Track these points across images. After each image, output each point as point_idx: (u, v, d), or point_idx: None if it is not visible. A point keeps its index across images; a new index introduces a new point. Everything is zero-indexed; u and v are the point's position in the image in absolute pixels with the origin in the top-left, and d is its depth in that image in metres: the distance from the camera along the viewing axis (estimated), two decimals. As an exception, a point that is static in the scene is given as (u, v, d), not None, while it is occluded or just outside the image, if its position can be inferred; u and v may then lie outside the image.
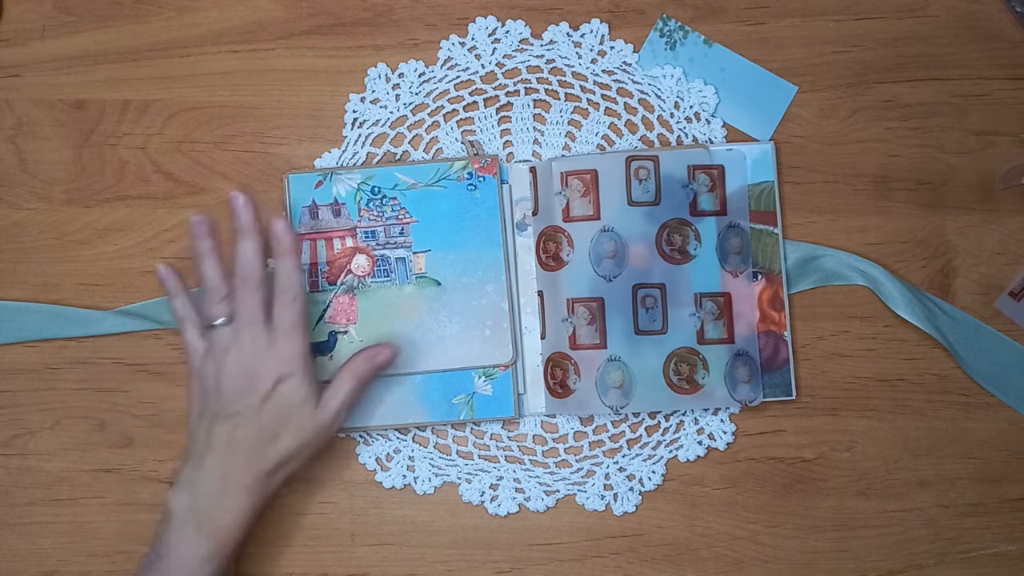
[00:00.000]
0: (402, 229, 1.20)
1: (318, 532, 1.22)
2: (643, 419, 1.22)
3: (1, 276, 1.23)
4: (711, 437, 1.21)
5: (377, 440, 1.22)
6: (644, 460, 1.21)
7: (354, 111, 1.24)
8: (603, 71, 1.24)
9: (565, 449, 1.22)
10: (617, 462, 1.22)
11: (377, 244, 1.20)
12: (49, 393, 1.23)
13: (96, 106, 1.25)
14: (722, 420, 1.21)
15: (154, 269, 1.15)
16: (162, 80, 1.25)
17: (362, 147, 1.24)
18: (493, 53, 1.24)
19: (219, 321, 1.10)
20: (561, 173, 1.20)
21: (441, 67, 1.24)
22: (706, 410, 1.22)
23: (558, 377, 1.20)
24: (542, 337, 1.21)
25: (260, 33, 1.25)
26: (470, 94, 1.24)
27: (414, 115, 1.24)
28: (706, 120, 1.23)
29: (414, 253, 1.20)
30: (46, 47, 1.26)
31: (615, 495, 1.21)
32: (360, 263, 1.20)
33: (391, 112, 1.24)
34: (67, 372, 1.23)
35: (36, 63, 1.25)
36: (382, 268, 1.20)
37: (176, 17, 1.26)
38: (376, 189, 1.20)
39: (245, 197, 1.10)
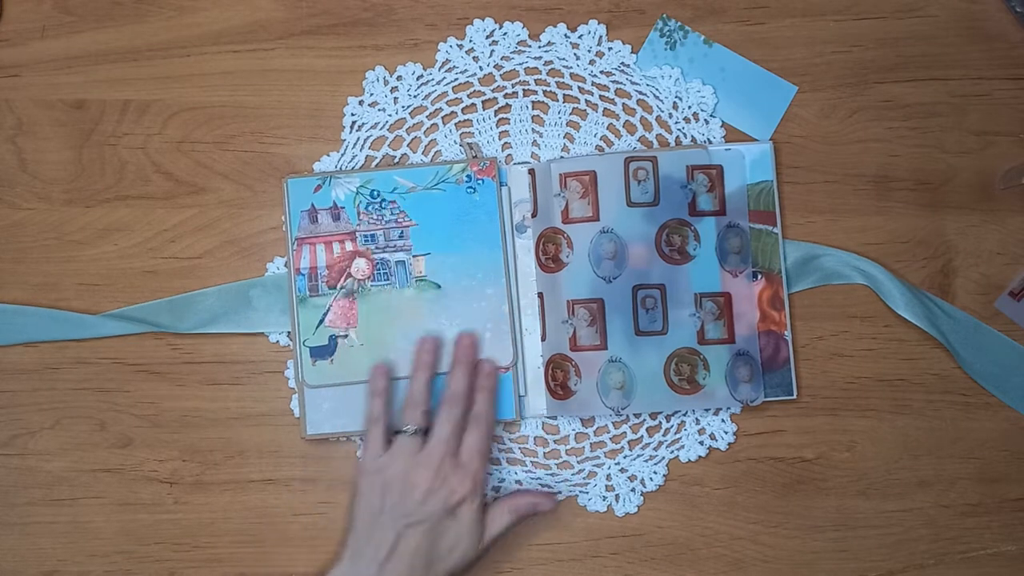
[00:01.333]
0: (401, 232, 1.20)
1: (318, 532, 1.22)
2: (644, 420, 1.22)
3: (1, 276, 1.23)
4: (712, 437, 1.21)
5: (378, 443, 1.22)
6: (645, 461, 1.21)
7: (352, 114, 1.24)
8: (601, 72, 1.24)
9: (566, 451, 1.22)
10: (619, 463, 1.22)
11: (377, 248, 1.20)
12: (49, 393, 1.23)
13: (96, 106, 1.25)
14: (723, 420, 1.21)
15: (373, 367, 1.18)
16: (162, 80, 1.25)
17: (361, 151, 1.23)
18: (491, 55, 1.24)
19: (411, 428, 1.13)
20: (560, 175, 1.20)
21: (439, 70, 1.24)
22: (707, 410, 1.22)
23: (559, 379, 1.20)
24: (542, 339, 1.21)
25: (260, 33, 1.25)
26: (468, 96, 1.24)
27: (412, 118, 1.24)
28: (704, 120, 1.23)
29: (414, 256, 1.20)
30: (46, 47, 1.25)
31: (617, 496, 1.21)
32: (360, 267, 1.20)
33: (389, 115, 1.24)
34: (67, 372, 1.23)
35: (36, 63, 1.25)
36: (382, 271, 1.20)
37: (176, 17, 1.25)
38: (375, 192, 1.20)
39: (473, 338, 1.18)
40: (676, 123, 1.23)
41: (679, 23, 1.24)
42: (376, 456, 1.12)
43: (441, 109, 1.24)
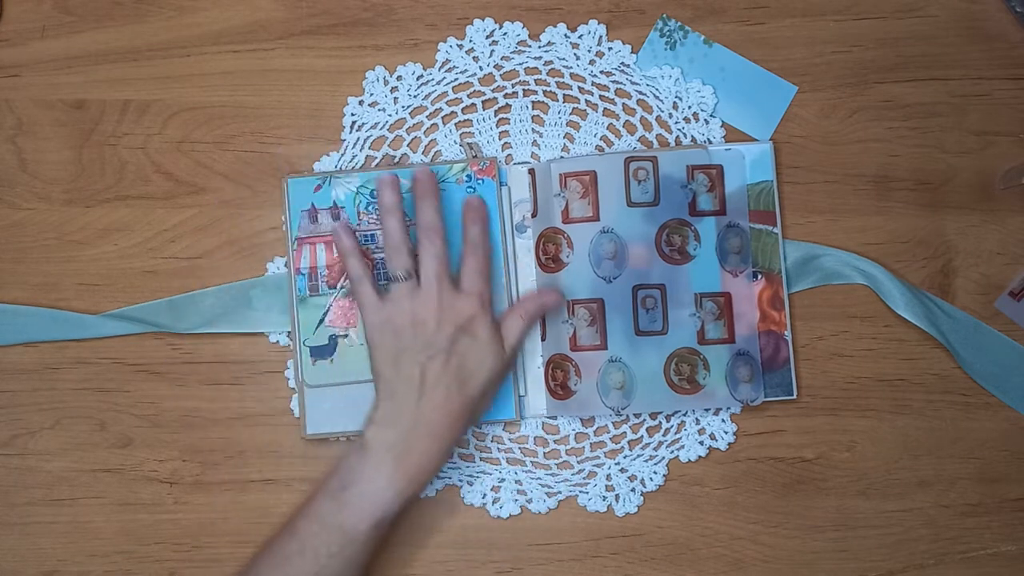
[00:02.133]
0: (401, 232, 1.20)
1: (318, 532, 1.22)
2: (644, 420, 1.22)
3: (1, 276, 1.23)
4: (712, 437, 1.21)
5: (378, 443, 1.22)
6: (646, 461, 1.21)
7: (352, 114, 1.24)
8: (601, 72, 1.24)
9: (566, 451, 1.22)
10: (619, 463, 1.22)
11: (377, 247, 1.20)
12: (49, 393, 1.23)
13: (96, 106, 1.25)
14: (723, 420, 1.21)
15: (332, 229, 1.19)
16: (162, 80, 1.25)
17: (361, 150, 1.23)
18: (491, 55, 1.24)
19: (401, 273, 1.12)
20: (560, 175, 1.20)
21: (439, 70, 1.24)
22: (707, 410, 1.22)
23: (559, 379, 1.20)
24: (542, 339, 1.21)
25: (260, 33, 1.25)
26: (468, 96, 1.24)
27: (412, 118, 1.24)
28: (704, 120, 1.23)
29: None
30: (46, 47, 1.25)
31: (617, 496, 1.21)
32: (360, 267, 1.20)
33: (389, 115, 1.24)
34: (67, 372, 1.23)
35: (36, 63, 1.25)
36: (382, 271, 1.19)
37: (176, 17, 1.25)
38: (375, 192, 1.19)
39: (431, 173, 1.15)
40: (676, 123, 1.23)
41: (679, 23, 1.24)
42: (377, 309, 1.12)
43: (441, 109, 1.24)
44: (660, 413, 1.22)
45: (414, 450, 1.09)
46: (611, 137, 1.23)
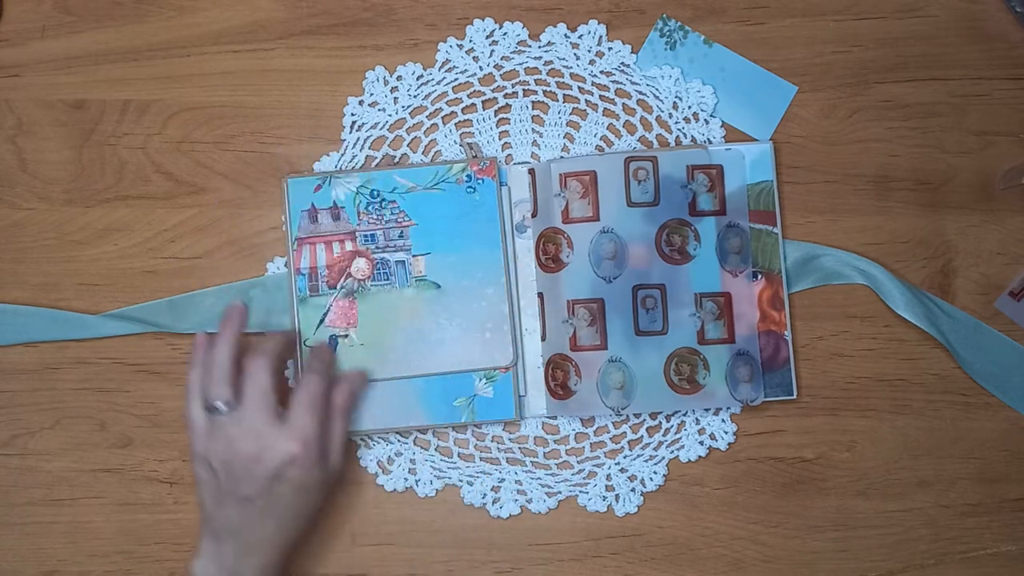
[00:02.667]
0: (401, 232, 1.20)
1: (318, 532, 1.22)
2: (644, 420, 1.22)
3: (1, 276, 1.23)
4: (712, 437, 1.21)
5: (378, 443, 1.22)
6: (645, 461, 1.21)
7: (352, 114, 1.24)
8: (601, 72, 1.24)
9: (566, 451, 1.22)
10: (618, 463, 1.22)
11: (376, 247, 1.20)
12: (49, 393, 1.23)
13: (96, 106, 1.25)
14: (723, 420, 1.21)
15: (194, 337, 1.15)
16: (162, 80, 1.25)
17: (361, 150, 1.24)
18: (491, 55, 1.24)
19: (222, 403, 1.09)
20: (560, 174, 1.20)
21: (439, 70, 1.24)
22: (707, 410, 1.22)
23: (559, 378, 1.20)
24: (542, 339, 1.21)
25: (260, 33, 1.25)
26: (468, 96, 1.24)
27: (412, 118, 1.24)
28: (704, 120, 1.23)
29: (414, 256, 1.20)
30: (46, 47, 1.25)
31: (617, 496, 1.21)
32: (360, 266, 1.20)
33: (389, 115, 1.24)
34: (67, 372, 1.23)
35: (36, 63, 1.25)
36: (382, 271, 1.19)
37: (176, 17, 1.25)
38: (375, 192, 1.20)
39: (237, 306, 1.16)
40: (676, 123, 1.23)
41: (679, 23, 1.24)
42: (200, 438, 1.09)
43: (441, 109, 1.24)
44: (660, 413, 1.22)
45: None
46: (611, 137, 1.23)
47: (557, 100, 1.23)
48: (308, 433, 1.08)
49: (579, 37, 1.24)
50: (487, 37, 1.24)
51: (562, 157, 1.22)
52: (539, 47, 1.24)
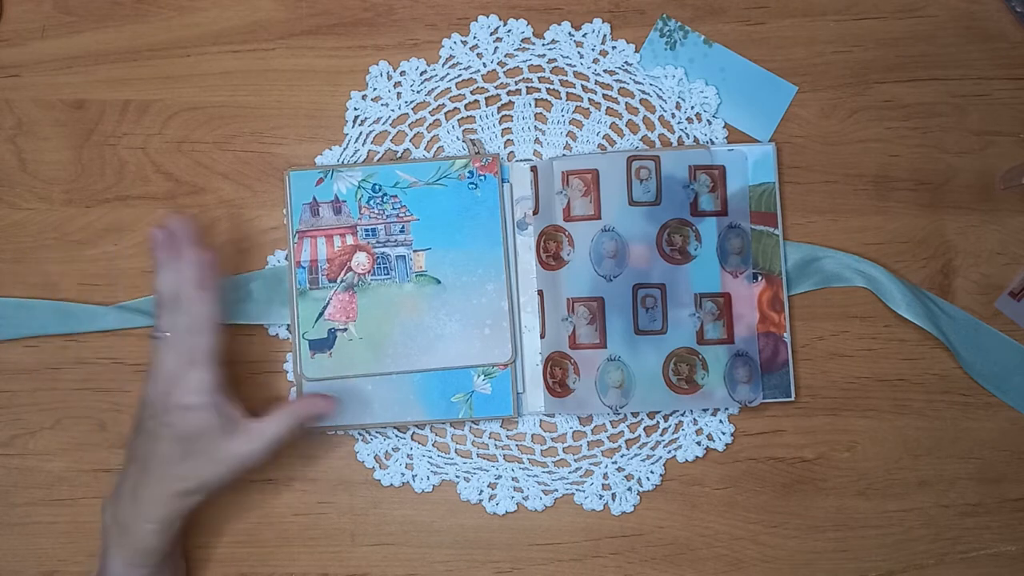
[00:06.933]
0: (403, 227, 1.20)
1: (318, 532, 1.22)
2: (642, 419, 1.22)
3: (1, 276, 1.23)
4: (710, 438, 1.21)
5: (376, 438, 1.22)
6: (643, 460, 1.21)
7: (355, 109, 1.24)
8: (604, 71, 1.24)
9: (563, 448, 1.22)
10: (616, 462, 1.22)
11: (377, 242, 1.20)
12: (49, 393, 1.23)
13: (96, 106, 1.25)
14: (721, 421, 1.22)
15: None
16: (162, 80, 1.25)
17: (363, 145, 1.24)
18: (495, 52, 1.24)
19: (160, 333, 1.08)
20: (562, 172, 1.20)
21: (443, 65, 1.24)
22: (705, 410, 1.22)
23: (557, 376, 1.20)
24: (542, 336, 1.21)
25: (260, 33, 1.25)
26: (472, 93, 1.24)
27: (415, 113, 1.24)
28: (707, 121, 1.23)
29: (414, 251, 1.20)
30: (46, 47, 1.26)
31: (613, 495, 1.21)
32: (360, 261, 1.20)
33: (392, 110, 1.24)
34: (67, 372, 1.23)
35: (36, 63, 1.25)
36: (382, 266, 1.20)
37: (176, 17, 1.26)
38: (377, 187, 1.20)
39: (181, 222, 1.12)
40: (679, 123, 1.23)
41: (679, 23, 1.24)
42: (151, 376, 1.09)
43: (444, 105, 1.24)
44: (658, 413, 1.22)
45: (131, 527, 1.09)
46: (613, 136, 1.24)
47: (560, 98, 1.24)
48: (202, 387, 1.07)
49: (583, 36, 1.24)
50: (491, 34, 1.24)
51: (564, 155, 1.23)
52: (543, 45, 1.24)
